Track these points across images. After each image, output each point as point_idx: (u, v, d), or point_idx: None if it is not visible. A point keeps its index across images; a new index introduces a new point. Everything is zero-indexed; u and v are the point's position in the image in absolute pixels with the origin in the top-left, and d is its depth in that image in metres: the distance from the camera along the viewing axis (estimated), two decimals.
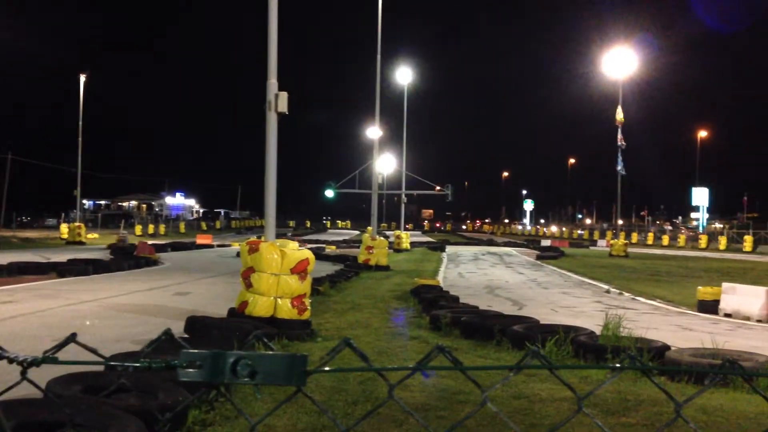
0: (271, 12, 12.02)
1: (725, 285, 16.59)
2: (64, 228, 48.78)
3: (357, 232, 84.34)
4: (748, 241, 58.70)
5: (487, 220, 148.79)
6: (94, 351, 1.09)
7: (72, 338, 1.05)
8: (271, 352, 1.01)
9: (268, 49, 11.97)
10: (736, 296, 15.79)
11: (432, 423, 6.03)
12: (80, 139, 48.28)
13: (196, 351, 1.00)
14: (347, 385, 7.17)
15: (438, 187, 42.81)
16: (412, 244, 51.65)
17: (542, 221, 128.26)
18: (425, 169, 59.39)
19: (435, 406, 6.60)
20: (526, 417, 6.32)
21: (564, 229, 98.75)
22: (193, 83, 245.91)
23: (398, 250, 44.03)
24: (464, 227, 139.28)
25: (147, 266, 26.23)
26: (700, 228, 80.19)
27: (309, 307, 11.47)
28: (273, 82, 11.75)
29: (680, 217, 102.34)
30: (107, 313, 13.33)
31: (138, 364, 1.00)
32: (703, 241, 64.50)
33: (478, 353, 9.78)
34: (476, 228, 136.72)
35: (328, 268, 25.08)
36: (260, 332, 1.13)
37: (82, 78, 48.62)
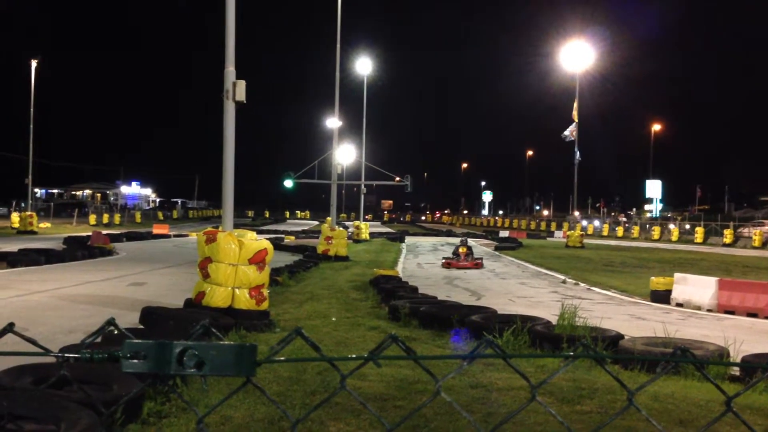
0: None
1: (677, 275, 16.94)
2: (15, 217, 47.43)
3: (316, 223, 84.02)
4: (699, 232, 60.08)
5: (446, 211, 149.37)
6: (33, 342, 1.04)
7: (9, 328, 1.00)
8: (219, 342, 0.98)
9: (226, 36, 11.77)
10: (688, 286, 16.13)
11: (390, 412, 6.04)
12: (32, 126, 47.09)
13: (140, 341, 0.96)
14: (305, 376, 7.14)
15: (398, 178, 42.84)
16: (372, 234, 51.67)
17: (501, 212, 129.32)
18: (385, 160, 59.46)
19: (393, 395, 6.61)
20: (483, 406, 6.37)
21: (522, 220, 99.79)
22: (151, 71, 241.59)
23: (357, 241, 44.01)
24: (423, 218, 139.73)
25: (101, 256, 25.73)
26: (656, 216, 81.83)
27: (267, 298, 11.38)
28: (231, 70, 11.55)
29: (634, 209, 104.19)
30: (60, 303, 13.04)
31: (78, 356, 0.96)
32: (656, 232, 65.81)
33: (436, 343, 9.83)
34: (435, 219, 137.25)
35: (287, 259, 24.93)
36: (207, 321, 1.09)
37: (34, 63, 47.37)
